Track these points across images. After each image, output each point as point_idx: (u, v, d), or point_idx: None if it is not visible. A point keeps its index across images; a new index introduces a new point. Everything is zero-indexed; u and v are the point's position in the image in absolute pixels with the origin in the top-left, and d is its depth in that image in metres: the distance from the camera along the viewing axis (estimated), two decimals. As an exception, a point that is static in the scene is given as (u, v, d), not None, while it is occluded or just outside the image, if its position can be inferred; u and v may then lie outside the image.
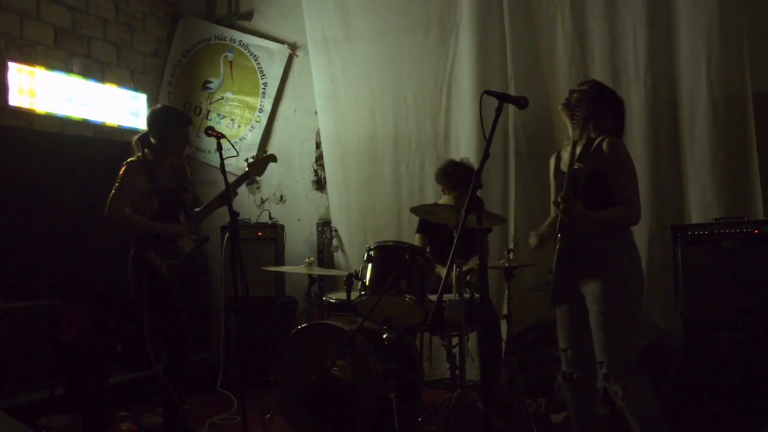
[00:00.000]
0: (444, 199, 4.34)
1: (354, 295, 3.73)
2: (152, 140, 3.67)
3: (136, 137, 3.72)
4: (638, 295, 2.91)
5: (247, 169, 3.94)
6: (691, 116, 4.34)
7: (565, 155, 3.08)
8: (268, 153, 4.06)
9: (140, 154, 3.65)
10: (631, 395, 2.80)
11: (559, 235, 2.90)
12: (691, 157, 4.33)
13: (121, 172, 3.59)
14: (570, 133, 3.00)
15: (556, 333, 4.58)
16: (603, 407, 3.95)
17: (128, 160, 3.65)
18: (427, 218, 4.16)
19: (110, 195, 3.54)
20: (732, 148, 4.24)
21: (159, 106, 3.85)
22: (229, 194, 3.40)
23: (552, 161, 3.24)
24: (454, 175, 4.20)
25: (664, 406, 3.54)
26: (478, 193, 2.57)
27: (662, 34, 4.48)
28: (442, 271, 4.01)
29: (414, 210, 3.87)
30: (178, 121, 3.77)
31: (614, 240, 2.91)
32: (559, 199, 2.80)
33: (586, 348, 2.96)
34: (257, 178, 4.26)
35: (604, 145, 2.88)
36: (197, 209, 3.81)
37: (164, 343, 3.60)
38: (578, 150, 2.95)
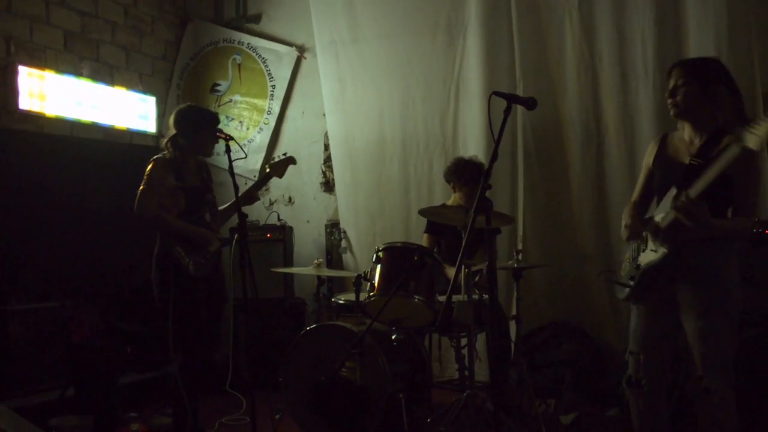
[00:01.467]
0: (453, 199, 4.34)
1: (363, 296, 3.73)
2: (181, 140, 3.63)
3: (166, 140, 3.68)
4: (739, 307, 2.77)
5: (267, 170, 3.97)
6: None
7: (676, 143, 2.89)
8: (288, 155, 4.05)
9: (167, 152, 3.63)
10: (725, 406, 2.72)
11: (664, 232, 2.75)
12: (701, 157, 4.31)
13: (148, 169, 3.57)
14: (690, 133, 2.84)
15: (565, 334, 4.59)
16: (612, 408, 3.95)
17: (155, 156, 3.63)
18: (436, 220, 4.16)
19: (139, 191, 3.52)
20: (741, 149, 4.21)
21: (185, 105, 3.81)
22: (238, 197, 3.40)
23: (654, 146, 3.00)
24: (465, 170, 4.20)
25: (672, 407, 3.53)
26: (487, 194, 2.56)
27: (670, 34, 4.47)
28: (451, 271, 4.01)
29: (422, 212, 3.87)
30: (205, 119, 3.72)
31: (722, 249, 2.75)
32: (684, 199, 2.57)
33: (661, 353, 2.90)
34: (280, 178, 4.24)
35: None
36: (220, 209, 3.84)
37: (183, 343, 3.58)
38: (697, 143, 2.79)
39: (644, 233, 2.89)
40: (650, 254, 2.84)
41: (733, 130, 2.68)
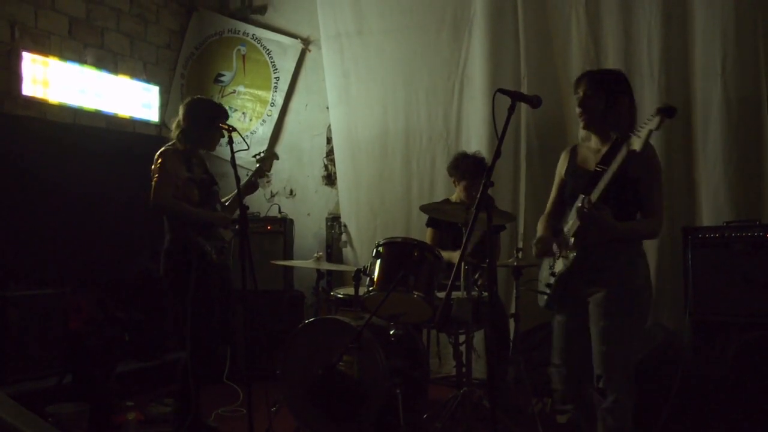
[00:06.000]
0: (456, 194, 4.34)
1: (362, 290, 3.73)
2: (191, 132, 3.63)
3: (177, 131, 3.67)
4: (646, 310, 2.83)
5: (258, 165, 4.01)
6: (705, 118, 4.30)
7: (585, 152, 2.96)
8: (273, 151, 4.11)
9: (180, 145, 3.63)
10: (617, 409, 2.71)
11: (573, 240, 2.79)
12: (704, 158, 4.30)
13: (159, 161, 3.55)
14: (596, 142, 2.92)
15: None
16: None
17: (163, 148, 3.62)
18: (437, 216, 4.15)
19: (154, 183, 3.51)
20: (745, 150, 4.20)
21: (195, 97, 3.80)
22: (239, 189, 3.38)
23: (566, 156, 3.07)
24: (465, 164, 4.20)
25: (673, 409, 3.53)
26: (489, 191, 2.55)
27: (677, 34, 4.45)
28: (449, 256, 3.99)
29: (423, 209, 3.86)
30: (214, 113, 3.71)
31: (628, 250, 2.81)
32: (586, 205, 2.64)
33: (583, 362, 2.86)
34: (267, 172, 4.28)
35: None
36: (224, 201, 3.86)
37: (197, 332, 3.57)
38: (602, 151, 2.84)
39: (554, 247, 2.91)
40: (563, 261, 2.87)
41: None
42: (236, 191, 3.72)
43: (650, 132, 2.53)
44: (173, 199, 3.52)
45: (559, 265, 2.88)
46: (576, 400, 2.95)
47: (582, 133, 3.05)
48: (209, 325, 3.60)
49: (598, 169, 2.76)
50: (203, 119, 3.65)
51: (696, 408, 3.57)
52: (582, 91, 2.85)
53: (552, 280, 2.92)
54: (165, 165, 3.53)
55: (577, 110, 2.88)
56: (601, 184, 2.65)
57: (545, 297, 2.97)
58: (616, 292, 2.75)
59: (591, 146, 2.95)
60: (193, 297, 3.48)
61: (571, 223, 2.81)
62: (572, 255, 2.80)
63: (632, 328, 2.77)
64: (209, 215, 3.64)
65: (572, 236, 2.79)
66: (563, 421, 3.96)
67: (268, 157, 4.06)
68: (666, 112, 2.51)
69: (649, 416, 3.55)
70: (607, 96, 2.82)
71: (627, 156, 2.58)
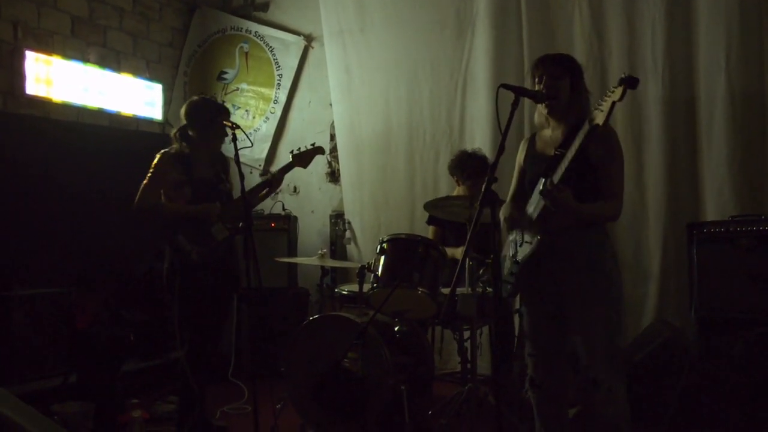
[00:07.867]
0: (457, 191, 4.33)
1: (366, 287, 3.73)
2: (190, 132, 3.66)
3: (174, 130, 3.70)
4: (619, 291, 2.77)
5: (291, 159, 3.92)
6: (709, 112, 4.28)
7: (543, 139, 2.92)
8: (316, 145, 3.98)
9: (176, 146, 3.64)
10: (613, 398, 2.68)
11: (535, 222, 2.76)
12: (708, 153, 4.29)
13: (153, 163, 3.60)
14: (555, 127, 2.88)
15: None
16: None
17: (162, 150, 3.65)
18: (441, 215, 4.12)
19: (141, 185, 3.55)
20: (750, 145, 4.19)
21: (196, 97, 3.79)
22: (243, 188, 3.37)
23: (525, 145, 3.03)
24: (467, 164, 4.19)
25: (678, 406, 3.53)
26: (493, 187, 2.54)
27: (681, 28, 4.43)
28: (454, 252, 3.98)
29: (427, 207, 3.84)
30: (216, 112, 3.69)
31: (594, 233, 2.77)
32: (549, 185, 2.57)
33: (557, 350, 2.86)
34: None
35: (599, 132, 2.68)
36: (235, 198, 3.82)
37: (188, 331, 3.60)
38: (560, 135, 2.79)
39: (521, 227, 2.88)
40: (527, 247, 2.82)
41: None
42: (251, 188, 3.73)
43: (614, 104, 2.45)
44: (154, 201, 3.55)
45: (524, 251, 2.84)
46: (544, 383, 2.91)
47: (537, 119, 2.96)
48: (196, 324, 3.60)
49: (557, 153, 2.72)
50: (203, 119, 3.65)
51: (702, 405, 3.56)
52: (546, 76, 2.77)
53: (515, 268, 2.87)
54: (154, 168, 3.59)
55: (541, 95, 2.78)
56: (563, 165, 2.60)
57: (509, 286, 2.94)
58: (589, 277, 2.72)
59: (548, 133, 2.90)
60: (179, 296, 3.51)
61: (533, 207, 2.77)
62: (536, 239, 2.76)
63: (610, 312, 2.71)
64: (191, 209, 3.59)
65: (535, 218, 2.74)
66: (569, 416, 3.96)
67: (308, 152, 3.92)
68: (629, 81, 2.42)
69: (655, 413, 3.54)
70: (572, 81, 2.78)
71: (589, 133, 2.52)
